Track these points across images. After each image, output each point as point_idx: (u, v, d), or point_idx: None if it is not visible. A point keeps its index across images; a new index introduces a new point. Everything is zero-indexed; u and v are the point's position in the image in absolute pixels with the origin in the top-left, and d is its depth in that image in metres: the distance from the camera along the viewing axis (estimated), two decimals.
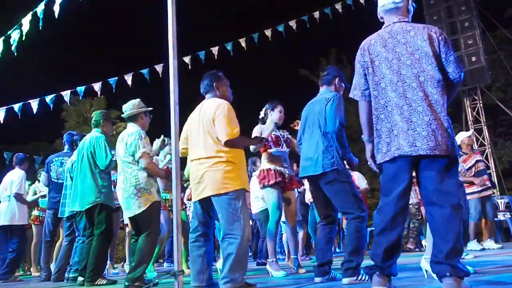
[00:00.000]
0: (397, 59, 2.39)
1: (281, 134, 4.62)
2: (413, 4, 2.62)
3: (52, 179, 5.81)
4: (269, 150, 4.54)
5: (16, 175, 6.40)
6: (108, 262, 6.69)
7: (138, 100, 4.19)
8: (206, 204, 3.13)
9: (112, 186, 4.69)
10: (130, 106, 4.12)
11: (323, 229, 3.48)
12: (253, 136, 4.50)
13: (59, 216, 5.37)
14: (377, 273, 2.32)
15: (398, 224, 2.33)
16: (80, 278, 4.46)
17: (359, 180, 7.24)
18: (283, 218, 4.77)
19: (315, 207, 3.62)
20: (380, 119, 2.42)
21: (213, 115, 3.09)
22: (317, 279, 3.37)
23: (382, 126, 2.41)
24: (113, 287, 4.29)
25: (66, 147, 5.97)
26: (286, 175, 4.50)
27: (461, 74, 2.35)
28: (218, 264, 4.61)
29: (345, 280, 3.08)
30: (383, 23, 2.59)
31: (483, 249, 6.27)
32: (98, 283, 4.25)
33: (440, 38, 2.37)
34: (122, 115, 4.15)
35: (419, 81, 2.32)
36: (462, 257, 4.69)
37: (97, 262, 4.32)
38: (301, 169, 3.56)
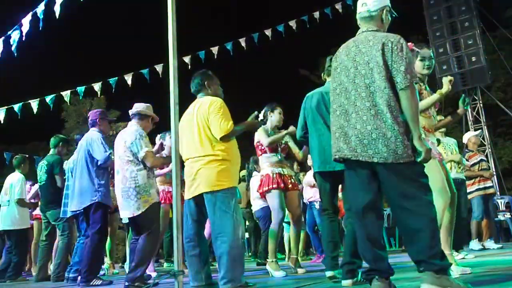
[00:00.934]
0: (354, 68, 2.47)
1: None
2: (392, 14, 2.64)
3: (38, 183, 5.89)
4: (264, 155, 4.56)
5: (15, 179, 6.37)
6: (109, 261, 6.72)
7: (148, 105, 4.24)
8: (199, 202, 3.13)
9: (110, 185, 4.70)
10: (144, 106, 4.17)
11: (332, 221, 3.43)
12: (255, 140, 4.55)
13: (61, 216, 5.38)
14: (376, 277, 2.35)
15: (366, 224, 2.40)
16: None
17: None
18: (287, 219, 4.77)
19: (325, 201, 3.49)
20: (332, 123, 2.57)
21: (207, 113, 3.12)
22: (329, 273, 3.32)
23: (332, 130, 2.56)
24: (113, 287, 4.29)
25: (51, 150, 5.94)
26: (286, 175, 4.50)
27: (406, 85, 2.31)
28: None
29: (346, 282, 3.02)
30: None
31: (483, 249, 6.27)
32: (94, 284, 4.24)
33: (394, 47, 2.37)
34: (130, 111, 4.15)
35: (369, 91, 2.39)
36: (462, 257, 4.72)
37: (91, 262, 4.31)
38: (321, 163, 3.37)
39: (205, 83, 3.34)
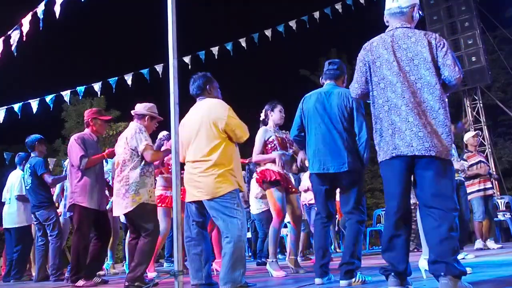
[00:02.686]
0: (397, 62, 2.42)
1: (286, 137, 4.59)
2: (420, 12, 2.64)
3: None
4: (274, 152, 4.47)
5: (15, 176, 6.38)
6: (110, 262, 6.72)
7: (152, 104, 4.23)
8: (201, 205, 3.16)
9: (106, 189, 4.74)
10: (142, 106, 4.16)
11: (325, 226, 3.39)
12: (256, 137, 4.53)
13: (63, 217, 5.39)
14: (392, 274, 2.35)
15: (401, 230, 2.36)
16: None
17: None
18: (287, 219, 4.76)
19: (318, 204, 3.43)
20: (379, 118, 2.47)
21: (216, 115, 3.12)
22: (318, 280, 3.27)
23: (382, 126, 2.45)
24: (113, 287, 4.30)
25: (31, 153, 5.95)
26: (287, 176, 4.50)
27: (456, 78, 2.35)
28: (215, 265, 4.62)
29: (344, 283, 3.02)
30: (387, 26, 2.61)
31: (483, 249, 6.27)
32: (78, 284, 4.27)
33: (438, 44, 2.39)
34: (132, 111, 4.16)
35: (416, 87, 2.36)
36: (462, 257, 4.72)
37: (74, 263, 4.36)
38: (317, 164, 3.29)
39: (207, 86, 3.35)
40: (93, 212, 4.42)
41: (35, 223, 5.86)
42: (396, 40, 2.45)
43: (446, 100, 2.39)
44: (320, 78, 3.65)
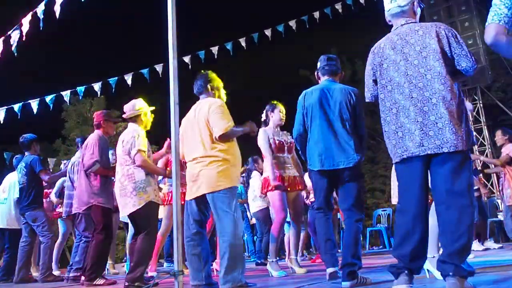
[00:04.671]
0: (404, 60, 2.41)
1: (284, 140, 4.58)
2: (420, 5, 2.64)
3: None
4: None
5: (15, 179, 6.35)
6: (110, 262, 6.72)
7: (140, 99, 4.19)
8: (201, 202, 3.18)
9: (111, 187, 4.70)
10: (130, 107, 4.13)
11: (328, 218, 3.36)
12: (259, 142, 4.53)
13: (63, 216, 5.38)
14: (405, 272, 2.31)
15: (418, 225, 2.32)
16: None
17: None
18: (288, 219, 4.76)
19: (321, 198, 3.36)
20: (386, 121, 2.47)
21: (207, 114, 3.15)
22: (331, 269, 3.23)
23: (389, 129, 2.44)
24: (113, 287, 4.30)
25: (26, 152, 5.88)
26: (287, 177, 4.48)
27: (474, 68, 2.34)
28: (215, 265, 4.63)
29: (347, 284, 2.97)
30: (391, 25, 2.61)
31: (484, 249, 6.27)
32: (96, 283, 4.26)
33: (449, 34, 2.38)
34: (123, 116, 4.14)
35: (426, 79, 2.33)
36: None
37: (95, 262, 4.33)
38: (319, 161, 3.23)
39: (209, 85, 3.37)
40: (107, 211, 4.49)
41: (23, 223, 5.78)
42: (403, 36, 2.44)
43: (459, 89, 2.35)
44: (316, 73, 3.57)
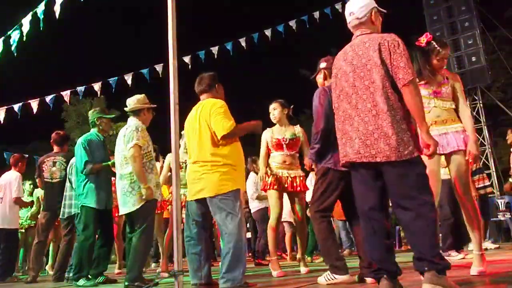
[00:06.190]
0: (353, 71, 2.49)
1: (282, 137, 4.58)
2: (381, 12, 2.64)
3: (46, 180, 5.73)
4: (271, 154, 4.55)
5: (12, 177, 6.33)
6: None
7: (143, 95, 4.20)
8: (201, 204, 3.18)
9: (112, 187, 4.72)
10: (134, 101, 4.13)
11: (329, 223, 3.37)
12: (263, 140, 4.57)
13: (60, 217, 5.37)
14: (384, 276, 2.36)
15: (373, 228, 2.40)
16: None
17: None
18: (288, 218, 4.77)
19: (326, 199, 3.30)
20: (338, 128, 2.58)
21: (208, 116, 3.15)
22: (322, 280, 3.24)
23: (338, 135, 2.57)
24: (113, 287, 4.29)
25: (55, 147, 5.85)
26: (284, 177, 4.45)
27: (409, 79, 2.31)
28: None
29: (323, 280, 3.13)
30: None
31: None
32: (79, 284, 4.34)
33: (391, 45, 2.38)
34: (125, 108, 4.13)
35: (369, 91, 2.41)
36: (463, 257, 4.71)
37: (79, 261, 4.42)
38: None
39: (215, 86, 3.38)
40: (100, 212, 4.49)
41: (62, 220, 5.49)
42: (354, 48, 2.53)
43: (396, 101, 2.35)
44: (318, 75, 3.57)
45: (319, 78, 3.62)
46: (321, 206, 3.29)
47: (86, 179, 4.51)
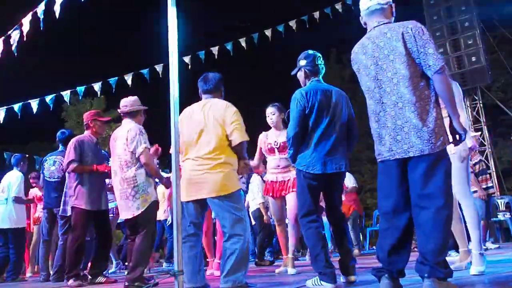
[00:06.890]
0: (375, 64, 2.41)
1: (274, 141, 4.59)
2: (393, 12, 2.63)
3: (46, 178, 5.75)
4: (267, 158, 4.70)
5: (14, 177, 6.36)
6: (114, 262, 6.75)
7: (136, 97, 4.20)
8: (200, 205, 3.14)
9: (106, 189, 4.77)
10: (131, 102, 4.12)
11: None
12: (258, 144, 4.73)
13: (60, 214, 5.37)
14: (385, 275, 2.31)
15: (393, 227, 2.34)
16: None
17: (346, 180, 7.24)
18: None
19: (312, 202, 3.23)
20: (371, 127, 2.51)
21: (223, 115, 3.12)
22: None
23: (372, 132, 2.50)
24: (113, 287, 4.30)
25: (60, 146, 5.84)
26: (279, 182, 4.58)
27: (440, 65, 2.24)
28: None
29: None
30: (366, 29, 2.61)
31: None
32: (70, 284, 4.41)
33: (415, 32, 2.30)
34: (124, 109, 4.10)
35: (393, 83, 2.33)
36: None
37: (70, 262, 4.49)
38: (325, 164, 3.09)
39: (222, 88, 3.38)
40: (92, 213, 4.51)
41: (59, 219, 5.55)
42: (374, 40, 2.43)
43: (424, 90, 2.27)
44: (298, 70, 3.46)
45: (300, 77, 3.46)
46: (302, 211, 3.18)
47: (78, 180, 4.53)
